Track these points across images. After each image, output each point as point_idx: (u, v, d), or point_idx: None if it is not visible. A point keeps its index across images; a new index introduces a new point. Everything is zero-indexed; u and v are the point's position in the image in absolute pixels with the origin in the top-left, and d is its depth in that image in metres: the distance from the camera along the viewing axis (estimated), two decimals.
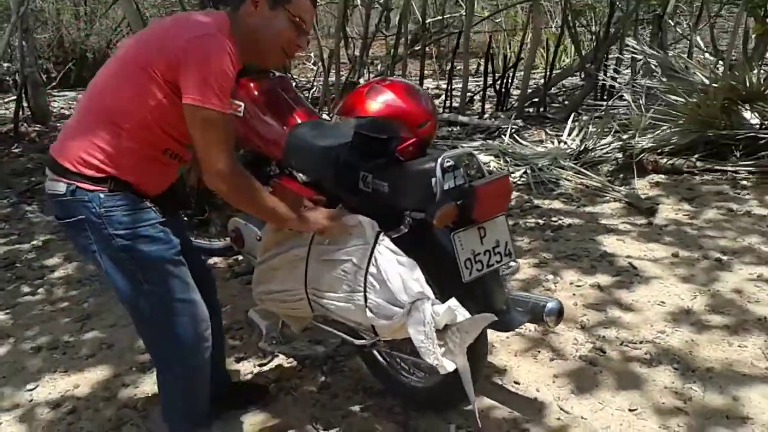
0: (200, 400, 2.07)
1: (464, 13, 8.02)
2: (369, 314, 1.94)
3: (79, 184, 1.76)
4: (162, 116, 1.76)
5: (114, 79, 1.81)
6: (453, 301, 1.80)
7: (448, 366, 1.76)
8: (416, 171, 2.02)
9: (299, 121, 2.58)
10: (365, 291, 1.95)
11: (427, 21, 8.13)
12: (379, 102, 2.09)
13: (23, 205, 4.86)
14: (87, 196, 1.76)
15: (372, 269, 1.94)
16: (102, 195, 1.76)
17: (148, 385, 2.59)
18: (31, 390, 2.61)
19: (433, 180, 1.94)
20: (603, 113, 6.19)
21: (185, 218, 3.25)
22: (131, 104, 1.76)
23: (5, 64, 8.36)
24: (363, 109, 2.12)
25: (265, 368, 2.68)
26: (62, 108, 8.50)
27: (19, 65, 7.06)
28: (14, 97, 7.48)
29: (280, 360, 2.71)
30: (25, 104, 7.02)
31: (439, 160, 1.94)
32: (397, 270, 1.90)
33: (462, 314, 1.78)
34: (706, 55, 6.85)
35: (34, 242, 4.16)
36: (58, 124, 7.40)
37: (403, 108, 2.07)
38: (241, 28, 1.82)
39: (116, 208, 1.78)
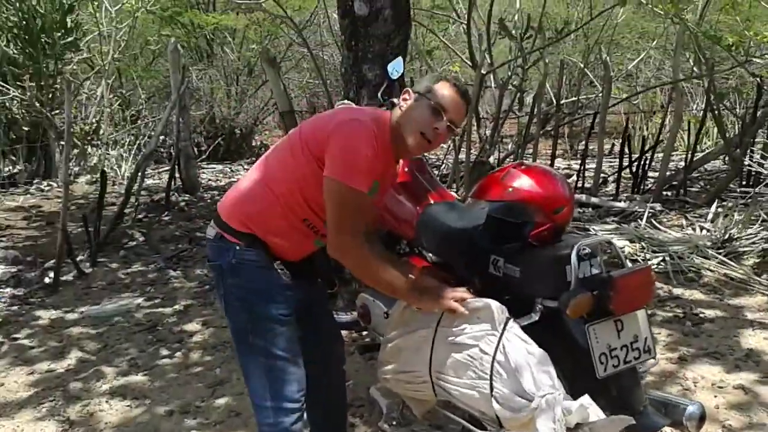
0: None
1: (600, 94, 7.93)
2: (494, 404, 1.88)
3: (224, 234, 1.99)
4: (307, 186, 1.93)
5: (281, 150, 2.03)
6: (586, 399, 1.72)
7: None
8: (550, 257, 1.98)
9: (432, 201, 2.61)
10: (491, 379, 1.90)
11: (561, 101, 8.09)
12: (515, 186, 2.08)
13: (169, 271, 5.16)
14: (227, 246, 1.98)
15: (500, 357, 1.89)
16: (238, 247, 1.96)
17: None
18: None
19: (568, 268, 1.89)
20: (749, 200, 5.83)
21: None
22: (286, 172, 1.96)
23: (161, 137, 9.08)
24: (498, 193, 2.12)
25: None
26: (210, 179, 9.07)
27: (174, 139, 7.63)
28: (167, 168, 8.09)
29: None
30: (177, 175, 7.54)
31: (576, 247, 1.89)
32: (526, 360, 1.84)
33: (595, 413, 1.69)
34: None
35: (176, 306, 4.39)
36: (205, 195, 7.89)
37: (539, 193, 2.05)
38: (395, 121, 1.99)
39: (247, 261, 1.97)
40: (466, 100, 2.01)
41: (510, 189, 2.07)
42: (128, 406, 3.11)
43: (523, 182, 2.06)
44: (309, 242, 2.05)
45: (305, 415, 2.05)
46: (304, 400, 2.04)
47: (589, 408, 1.70)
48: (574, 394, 1.78)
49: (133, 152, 9.19)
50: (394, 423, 2.62)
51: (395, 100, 2.67)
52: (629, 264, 2.03)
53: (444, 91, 1.97)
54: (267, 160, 2.07)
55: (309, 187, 1.93)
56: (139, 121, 10.34)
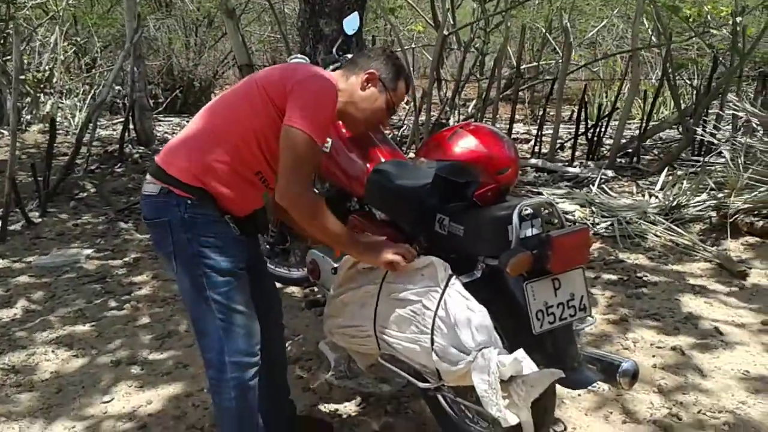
0: (253, 419, 2.08)
1: (560, 60, 7.98)
2: (434, 357, 1.93)
3: (172, 188, 1.92)
4: (264, 136, 1.93)
5: (233, 100, 2.00)
6: (520, 353, 1.77)
7: (511, 419, 1.72)
8: (493, 217, 2.00)
9: (382, 159, 2.61)
10: (432, 333, 1.94)
11: (522, 66, 8.11)
12: (461, 146, 2.09)
13: (120, 223, 5.11)
14: (176, 201, 1.92)
15: (441, 312, 1.93)
16: (189, 201, 1.91)
17: None
18: (106, 402, 2.72)
19: (510, 227, 1.92)
20: (699, 169, 5.98)
21: (268, 246, 3.34)
22: (242, 122, 1.93)
23: (117, 87, 8.87)
24: (444, 153, 2.13)
25: (330, 401, 2.69)
26: (166, 132, 8.92)
27: (129, 89, 7.47)
28: (122, 119, 7.93)
29: (346, 394, 2.72)
30: (131, 127, 7.39)
31: (518, 207, 1.92)
32: (466, 315, 1.88)
33: (529, 367, 1.75)
34: None
35: (126, 259, 4.36)
36: (161, 147, 7.76)
37: (484, 153, 2.07)
38: (345, 90, 2.04)
39: (200, 216, 1.93)
40: (408, 88, 2.18)
41: (456, 149, 2.08)
42: (74, 355, 3.10)
43: (469, 142, 2.07)
44: (258, 196, 2.05)
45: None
46: (260, 354, 2.04)
47: (522, 362, 1.75)
48: (512, 349, 1.83)
49: (87, 102, 8.97)
50: (342, 376, 2.66)
51: (350, 56, 2.67)
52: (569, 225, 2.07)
53: (402, 89, 2.12)
54: (216, 110, 2.01)
55: (266, 138, 1.92)
56: (94, 70, 10.08)
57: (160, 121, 9.61)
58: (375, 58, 2.09)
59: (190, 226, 1.92)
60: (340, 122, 2.33)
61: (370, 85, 2.06)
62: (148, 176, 1.99)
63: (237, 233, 2.00)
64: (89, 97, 9.10)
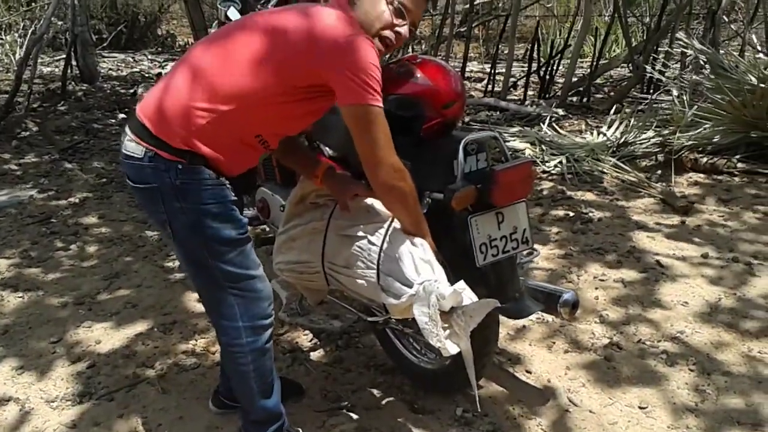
0: (270, 380, 2.00)
1: None
2: (380, 292, 1.95)
3: (159, 152, 1.70)
4: (273, 104, 1.72)
5: (232, 59, 1.73)
6: (461, 284, 1.79)
7: (451, 349, 1.76)
8: (438, 151, 2.01)
9: None
10: (378, 269, 1.96)
11: (476, 2, 8.02)
12: (407, 80, 2.08)
13: (64, 163, 4.98)
14: (164, 165, 1.71)
15: (386, 247, 1.95)
16: (181, 166, 1.70)
17: (167, 346, 2.65)
18: (54, 342, 2.70)
19: (455, 162, 1.93)
20: (646, 107, 6.06)
21: None
22: (242, 88, 1.69)
23: (59, 22, 8.51)
24: (390, 87, 2.11)
25: (282, 338, 2.72)
26: (110, 69, 8.64)
27: (70, 24, 7.18)
28: (65, 55, 7.65)
29: (297, 331, 2.75)
30: (74, 63, 7.13)
31: (463, 142, 1.93)
32: (409, 250, 1.90)
33: (468, 297, 1.78)
34: (760, 54, 6.61)
35: (72, 199, 4.27)
36: (105, 85, 7.52)
37: (429, 87, 2.06)
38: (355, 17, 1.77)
39: (192, 181, 1.72)
40: None
41: (402, 82, 2.06)
42: (20, 297, 3.06)
43: (415, 76, 2.06)
44: (255, 157, 1.87)
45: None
46: (273, 314, 1.96)
47: (462, 293, 1.77)
48: (456, 282, 1.86)
49: (28, 38, 8.60)
50: (294, 313, 2.68)
51: None
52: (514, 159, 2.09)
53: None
54: (212, 64, 1.72)
55: (275, 106, 1.72)
56: (34, 4, 9.64)
57: (104, 57, 9.29)
58: None
59: (185, 193, 1.72)
60: None
61: None
62: (129, 132, 1.76)
63: (233, 196, 1.82)
64: (30, 32, 8.72)
